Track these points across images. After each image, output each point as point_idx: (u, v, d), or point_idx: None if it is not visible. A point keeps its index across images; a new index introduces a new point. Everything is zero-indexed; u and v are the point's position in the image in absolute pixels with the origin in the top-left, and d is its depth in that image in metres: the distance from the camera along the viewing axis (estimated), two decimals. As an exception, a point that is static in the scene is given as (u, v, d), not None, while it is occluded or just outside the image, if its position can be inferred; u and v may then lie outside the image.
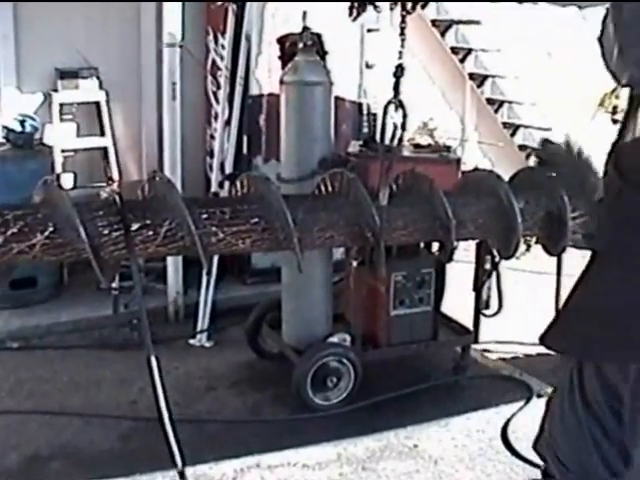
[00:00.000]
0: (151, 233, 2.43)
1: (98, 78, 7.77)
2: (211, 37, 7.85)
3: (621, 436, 2.29)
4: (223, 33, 7.38)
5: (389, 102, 4.92)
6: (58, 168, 7.56)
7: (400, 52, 4.86)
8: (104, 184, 7.70)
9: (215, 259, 6.38)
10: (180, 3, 6.80)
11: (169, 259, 6.78)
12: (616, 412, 2.30)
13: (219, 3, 7.06)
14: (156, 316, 6.66)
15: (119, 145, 8.04)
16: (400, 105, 4.67)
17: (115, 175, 7.94)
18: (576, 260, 8.41)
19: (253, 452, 4.95)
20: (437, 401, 5.72)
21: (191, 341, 6.66)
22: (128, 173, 8.16)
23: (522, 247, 8.28)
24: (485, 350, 6.55)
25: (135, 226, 2.42)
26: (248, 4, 7.08)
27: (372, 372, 5.69)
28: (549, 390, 5.78)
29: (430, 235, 3.34)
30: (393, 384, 5.79)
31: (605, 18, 2.20)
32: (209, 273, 6.32)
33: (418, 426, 5.35)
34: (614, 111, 12.11)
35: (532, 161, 2.81)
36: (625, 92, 9.44)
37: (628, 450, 2.26)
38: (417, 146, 6.36)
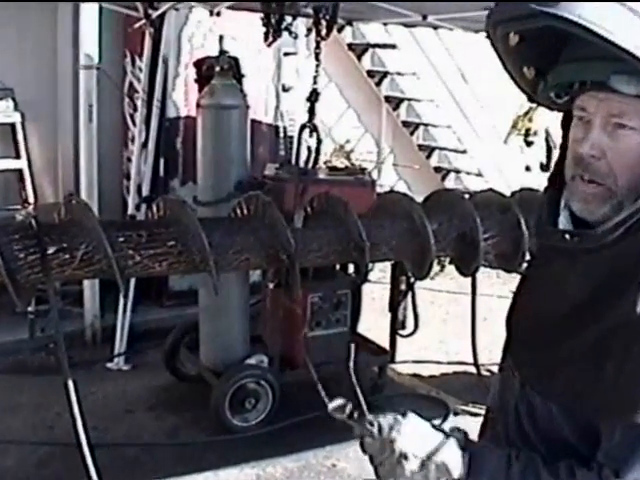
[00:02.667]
0: (68, 256, 2.44)
1: (13, 99, 7.68)
2: (128, 59, 7.84)
3: (599, 458, 1.85)
4: (140, 56, 7.37)
5: (303, 126, 4.98)
6: (-28, 190, 7.47)
7: (315, 77, 4.93)
8: (19, 207, 7.61)
9: (132, 282, 6.36)
10: (97, 25, 6.78)
11: (86, 282, 6.72)
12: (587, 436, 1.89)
13: (136, 26, 7.04)
14: (73, 340, 6.60)
15: (35, 167, 7.95)
16: (314, 129, 4.73)
17: (31, 197, 7.85)
18: (491, 280, 8.58)
19: (172, 475, 4.94)
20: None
21: (109, 365, 6.61)
22: (44, 195, 8.07)
23: (436, 267, 8.44)
24: (402, 370, 6.62)
25: (51, 249, 2.42)
26: (165, 27, 7.10)
27: (290, 393, 5.71)
28: (466, 408, 5.88)
29: (345, 257, 3.39)
30: (311, 405, 5.80)
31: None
32: (126, 296, 6.29)
33: (337, 446, 5.38)
34: (527, 133, 12.36)
35: None
36: (539, 115, 9.57)
37: (607, 472, 1.91)
38: (333, 169, 6.42)
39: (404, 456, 1.82)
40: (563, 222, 1.87)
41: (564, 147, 1.88)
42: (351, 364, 2.18)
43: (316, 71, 5.03)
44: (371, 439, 1.86)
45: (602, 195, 1.75)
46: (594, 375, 1.79)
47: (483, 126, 11.67)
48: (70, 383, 3.43)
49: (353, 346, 2.61)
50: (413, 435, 1.86)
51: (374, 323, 6.51)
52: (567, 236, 1.82)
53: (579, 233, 1.80)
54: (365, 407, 1.94)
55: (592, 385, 1.79)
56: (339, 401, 1.94)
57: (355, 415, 1.91)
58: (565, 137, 1.89)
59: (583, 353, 1.82)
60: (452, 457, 1.84)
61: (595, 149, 1.73)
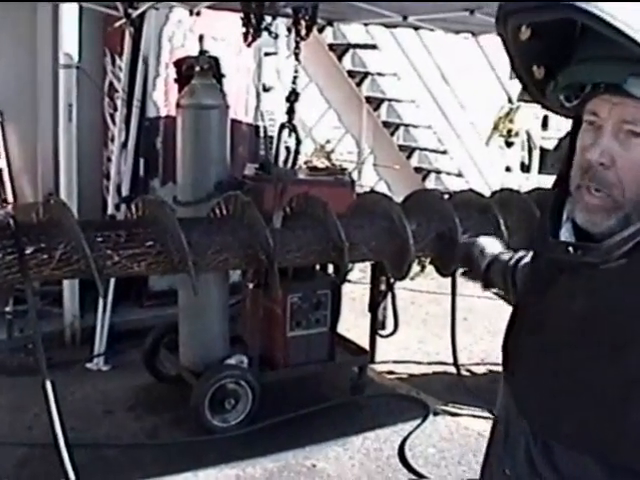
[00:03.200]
0: (46, 256, 2.43)
1: (-8, 99, 7.65)
2: (108, 59, 7.81)
3: None
4: (120, 55, 7.34)
5: (282, 126, 4.97)
6: (-49, 190, 7.42)
7: (294, 77, 4.92)
8: (-2, 206, 7.57)
9: (112, 282, 6.33)
10: (77, 24, 6.76)
11: (65, 282, 6.69)
12: None
13: (116, 25, 7.02)
14: (52, 340, 6.56)
15: (14, 167, 7.90)
16: (293, 129, 4.73)
17: (10, 197, 7.81)
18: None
19: (151, 476, 4.92)
20: (335, 421, 5.76)
21: (88, 365, 6.58)
22: (23, 195, 8.02)
23: (416, 268, 8.44)
24: (382, 370, 6.63)
25: (29, 249, 2.42)
26: (145, 27, 7.08)
27: (270, 393, 5.71)
28: (446, 408, 5.89)
29: (324, 257, 3.41)
30: (291, 405, 5.81)
31: None
32: (105, 296, 6.26)
33: (316, 446, 5.39)
34: (508, 134, 12.42)
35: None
36: (520, 116, 9.57)
37: None
38: (313, 169, 6.42)
39: None
40: (565, 234, 1.73)
41: (571, 155, 1.73)
42: None
43: (295, 71, 5.02)
44: None
45: (607, 207, 1.63)
46: (620, 422, 1.61)
47: (463, 127, 11.70)
48: (49, 384, 3.41)
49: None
50: None
51: (354, 323, 6.52)
52: (570, 249, 1.67)
53: (583, 246, 1.66)
54: None
55: (617, 431, 1.61)
56: None
57: None
58: (572, 144, 1.75)
59: (608, 393, 1.63)
60: None
61: (605, 156, 1.60)
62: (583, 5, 1.47)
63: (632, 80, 1.53)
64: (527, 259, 2.26)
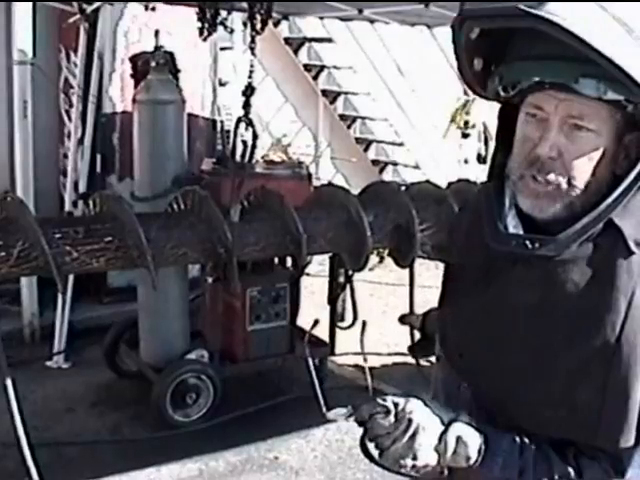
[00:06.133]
0: (4, 254, 2.43)
1: (-55, 96, 7.56)
2: (63, 55, 7.76)
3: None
4: (75, 51, 7.30)
5: (239, 120, 4.98)
6: None
7: (250, 71, 4.94)
8: (-46, 205, 7.48)
9: (70, 279, 6.30)
10: (31, 20, 6.71)
11: (23, 280, 6.65)
12: None
13: (71, 21, 6.98)
14: (11, 339, 6.51)
15: (-32, 165, 7.84)
16: (250, 124, 4.74)
17: (-35, 196, 7.73)
18: (429, 272, 8.62)
19: (115, 472, 4.91)
20: (296, 413, 5.76)
21: (48, 363, 6.55)
22: (-21, 194, 7.96)
23: (375, 259, 8.44)
24: (342, 362, 6.65)
25: (-13, 247, 2.41)
26: (100, 22, 7.05)
27: (231, 387, 5.72)
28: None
29: (282, 250, 3.43)
30: (252, 398, 5.83)
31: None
32: (64, 293, 6.23)
33: (278, 438, 5.41)
34: (465, 126, 12.48)
35: None
36: (476, 108, 9.63)
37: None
38: (270, 163, 6.43)
39: (423, 428, 1.72)
40: (512, 223, 1.77)
41: (505, 140, 1.80)
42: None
43: (251, 65, 5.04)
44: (384, 415, 1.73)
45: (554, 193, 1.69)
46: (571, 402, 1.70)
47: (420, 119, 11.75)
48: (9, 383, 3.41)
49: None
50: (427, 410, 1.75)
51: (314, 316, 6.53)
52: (527, 242, 1.70)
53: (539, 239, 1.70)
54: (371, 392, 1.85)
55: (567, 411, 1.71)
56: (340, 410, 1.83)
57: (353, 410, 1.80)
58: (503, 129, 1.83)
59: (559, 377, 1.71)
60: (468, 432, 1.74)
61: (554, 150, 1.67)
62: (553, 18, 1.51)
63: (582, 80, 1.60)
64: None
